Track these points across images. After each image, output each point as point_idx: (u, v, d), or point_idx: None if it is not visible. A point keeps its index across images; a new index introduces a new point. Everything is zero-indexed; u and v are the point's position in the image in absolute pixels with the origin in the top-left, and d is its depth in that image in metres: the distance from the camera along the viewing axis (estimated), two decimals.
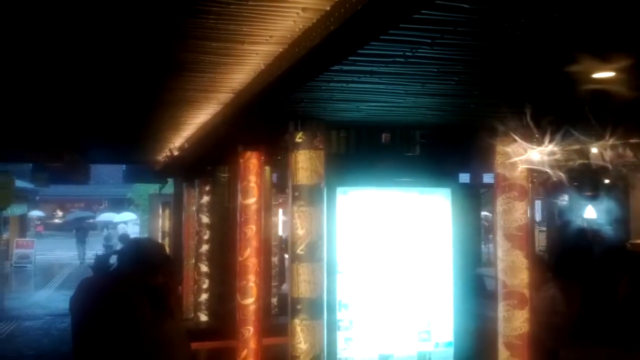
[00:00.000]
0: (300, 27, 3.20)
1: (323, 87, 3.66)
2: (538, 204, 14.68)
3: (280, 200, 10.53)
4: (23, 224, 26.03)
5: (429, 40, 2.67)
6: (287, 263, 9.71)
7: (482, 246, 12.34)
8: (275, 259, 10.06)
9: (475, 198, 9.39)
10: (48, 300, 14.75)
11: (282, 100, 4.12)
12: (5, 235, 20.65)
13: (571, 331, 5.21)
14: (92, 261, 18.71)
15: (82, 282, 3.12)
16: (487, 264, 10.72)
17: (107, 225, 32.34)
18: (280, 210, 10.85)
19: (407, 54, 2.88)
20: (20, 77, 4.62)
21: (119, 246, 20.48)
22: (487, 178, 9.08)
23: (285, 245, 7.09)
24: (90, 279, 3.19)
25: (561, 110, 4.07)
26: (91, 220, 38.77)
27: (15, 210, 21.07)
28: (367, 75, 3.33)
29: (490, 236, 12.58)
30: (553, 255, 5.98)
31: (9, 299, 14.44)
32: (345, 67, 3.16)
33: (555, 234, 11.67)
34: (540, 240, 12.87)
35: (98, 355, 2.91)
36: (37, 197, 31.93)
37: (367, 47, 2.78)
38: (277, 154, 6.35)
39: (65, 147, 8.66)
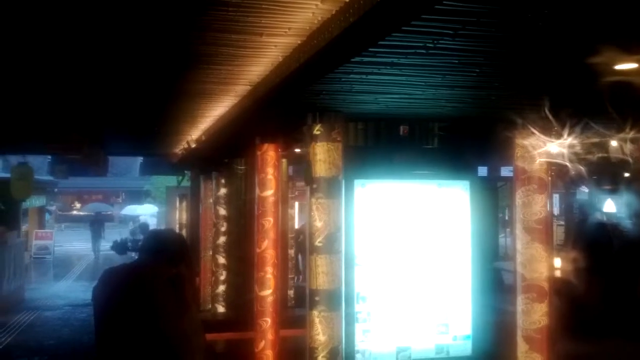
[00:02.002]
0: (319, 18, 3.19)
1: (342, 79, 3.65)
2: (556, 197, 14.57)
3: (297, 193, 10.55)
4: (42, 215, 26.24)
5: (450, 32, 2.64)
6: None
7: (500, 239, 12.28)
8: (291, 251, 10.10)
9: (493, 191, 9.35)
10: (67, 291, 14.92)
11: (300, 93, 4.11)
12: (24, 227, 20.93)
13: (590, 325, 5.16)
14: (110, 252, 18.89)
15: (105, 272, 3.15)
16: (504, 258, 10.69)
17: (133, 219, 30.71)
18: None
19: (428, 45, 2.86)
20: (42, 70, 4.66)
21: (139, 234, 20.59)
22: (505, 171, 9.03)
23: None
24: (113, 269, 3.21)
25: (581, 102, 4.02)
26: (109, 212, 38.58)
27: (34, 202, 21.30)
28: (388, 67, 3.31)
29: (508, 229, 12.50)
30: (572, 249, 5.92)
31: (29, 289, 14.63)
32: (366, 59, 3.14)
33: (574, 227, 11.55)
34: (559, 234, 12.77)
35: (121, 344, 2.94)
36: (56, 189, 32.24)
37: (388, 38, 2.75)
38: (295, 147, 6.35)
39: (84, 139, 8.74)
